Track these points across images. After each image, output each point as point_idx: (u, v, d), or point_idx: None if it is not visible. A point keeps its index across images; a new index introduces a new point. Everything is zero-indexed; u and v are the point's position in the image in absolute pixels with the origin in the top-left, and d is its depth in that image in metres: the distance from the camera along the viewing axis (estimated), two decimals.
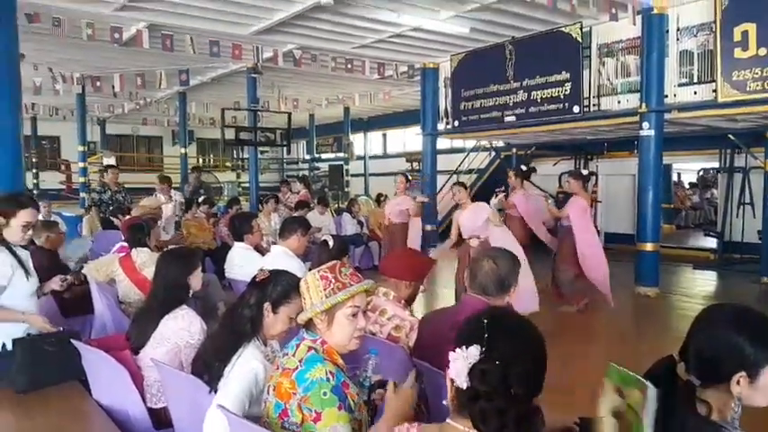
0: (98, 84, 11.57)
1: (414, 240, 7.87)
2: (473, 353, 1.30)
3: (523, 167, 6.41)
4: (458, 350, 1.32)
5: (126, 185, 9.58)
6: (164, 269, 2.90)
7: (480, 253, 2.66)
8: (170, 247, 3.53)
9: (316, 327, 1.91)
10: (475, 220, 5.92)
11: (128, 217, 6.05)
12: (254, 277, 2.34)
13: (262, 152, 18.47)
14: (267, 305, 2.26)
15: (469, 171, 14.79)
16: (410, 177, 8.39)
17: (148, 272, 3.70)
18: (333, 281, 1.89)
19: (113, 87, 11.72)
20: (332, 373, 1.76)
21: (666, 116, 7.60)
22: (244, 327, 2.23)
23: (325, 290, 1.88)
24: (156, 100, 15.90)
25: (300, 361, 1.81)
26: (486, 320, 1.33)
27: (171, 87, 13.64)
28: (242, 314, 2.26)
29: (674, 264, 9.77)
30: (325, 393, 1.72)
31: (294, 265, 4.02)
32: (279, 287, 2.30)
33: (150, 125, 20.36)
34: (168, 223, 7.65)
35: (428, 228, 10.74)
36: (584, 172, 7.49)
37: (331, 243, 3.69)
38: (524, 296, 5.33)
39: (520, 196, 7.28)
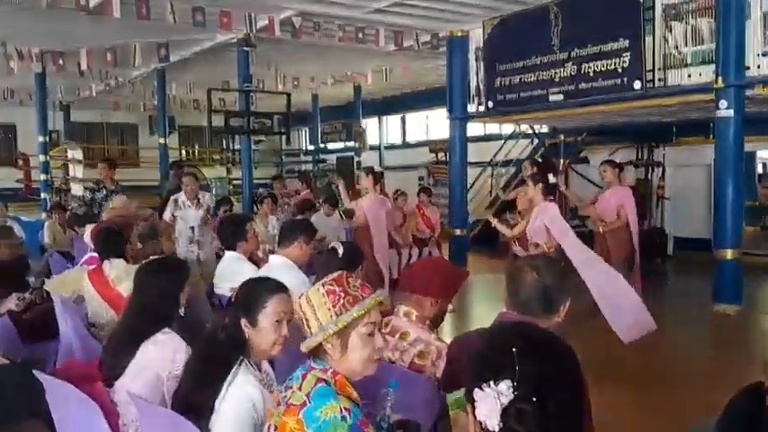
0: (61, 61, 11.73)
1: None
2: (504, 390, 1.30)
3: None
4: (485, 387, 1.32)
5: (94, 184, 9.62)
6: (145, 284, 2.93)
7: (520, 262, 2.65)
8: (151, 258, 3.55)
9: (325, 353, 1.92)
10: (535, 220, 5.91)
11: (90, 225, 6.09)
12: (229, 298, 2.39)
13: (256, 142, 18.54)
14: (243, 321, 2.33)
15: (507, 162, 14.75)
16: (377, 171, 8.26)
17: (124, 287, 3.73)
18: (342, 295, 1.90)
19: (79, 65, 11.84)
20: (348, 410, 1.77)
21: (748, 92, 7.51)
22: (224, 352, 2.27)
23: (334, 307, 1.89)
24: (129, 80, 16.03)
25: (308, 396, 1.81)
26: (515, 349, 1.32)
27: (147, 65, 13.74)
28: (219, 339, 2.31)
29: (760, 275, 9.65)
30: None
31: (296, 278, 4.04)
32: (247, 296, 2.38)
33: (123, 111, 20.56)
34: (204, 235, 7.37)
35: (457, 232, 10.74)
36: (617, 160, 7.51)
37: (340, 251, 3.70)
38: (640, 313, 5.19)
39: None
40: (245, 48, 11.43)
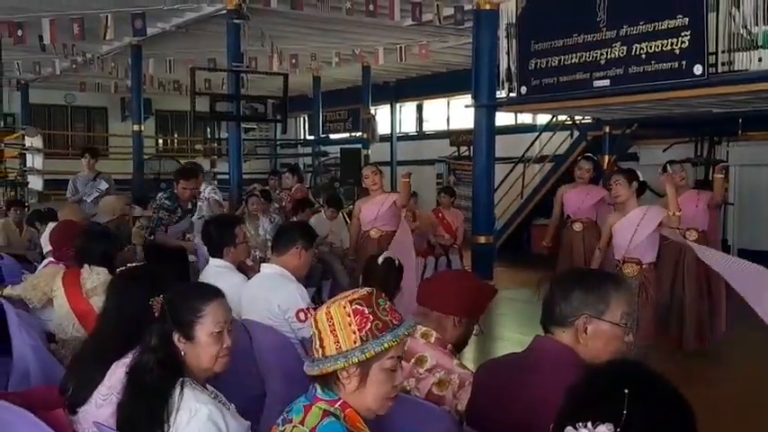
0: (19, 33, 11.73)
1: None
2: None
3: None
4: (580, 427, 1.32)
5: (56, 176, 9.65)
6: (119, 297, 2.93)
7: None
8: (129, 265, 3.54)
9: (337, 382, 1.90)
10: (637, 230, 5.69)
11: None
12: (151, 312, 2.39)
13: (246, 130, 18.55)
14: (177, 336, 2.34)
15: (542, 159, 14.72)
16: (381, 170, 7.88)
17: (96, 301, 3.73)
18: (371, 318, 1.88)
19: (41, 38, 11.88)
20: None
21: None
22: (158, 379, 2.27)
23: (360, 330, 1.87)
24: (99, 56, 16.10)
25: (313, 431, 1.81)
26: (627, 390, 1.33)
27: (121, 38, 13.80)
28: (146, 364, 2.30)
29: None
30: None
31: (294, 291, 4.04)
32: (177, 305, 2.38)
33: (91, 92, 20.63)
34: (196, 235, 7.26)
35: (481, 240, 10.70)
36: (673, 158, 7.52)
37: (398, 263, 3.84)
38: None
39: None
40: (235, 20, 11.43)
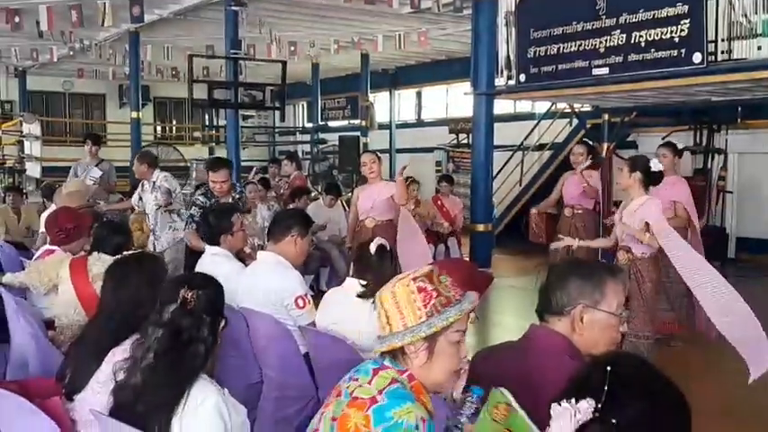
0: (16, 19, 11.70)
1: (413, 250, 6.74)
2: (584, 408, 1.31)
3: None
4: (564, 403, 1.33)
5: (54, 164, 9.62)
6: (116, 284, 2.94)
7: None
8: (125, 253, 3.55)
9: (404, 356, 1.96)
10: (630, 219, 5.63)
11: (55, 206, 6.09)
12: (183, 302, 2.37)
13: (245, 118, 18.53)
14: (222, 324, 2.42)
15: (541, 147, 14.70)
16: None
17: (100, 286, 3.76)
18: (434, 294, 1.94)
19: (38, 24, 11.83)
20: (423, 420, 1.81)
21: None
22: (194, 367, 2.31)
23: (425, 306, 1.93)
24: (97, 43, 16.05)
25: (381, 392, 1.86)
26: (609, 367, 1.35)
27: (118, 25, 13.74)
28: (196, 352, 2.32)
29: None
30: None
31: (291, 279, 4.05)
32: (219, 294, 2.50)
33: (89, 78, 20.59)
34: (158, 223, 7.41)
35: (480, 227, 10.73)
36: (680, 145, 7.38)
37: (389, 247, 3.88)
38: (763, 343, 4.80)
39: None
40: (233, 6, 11.40)
